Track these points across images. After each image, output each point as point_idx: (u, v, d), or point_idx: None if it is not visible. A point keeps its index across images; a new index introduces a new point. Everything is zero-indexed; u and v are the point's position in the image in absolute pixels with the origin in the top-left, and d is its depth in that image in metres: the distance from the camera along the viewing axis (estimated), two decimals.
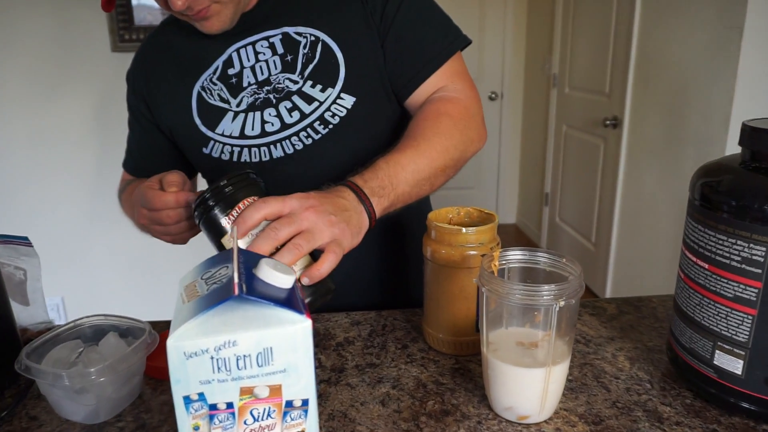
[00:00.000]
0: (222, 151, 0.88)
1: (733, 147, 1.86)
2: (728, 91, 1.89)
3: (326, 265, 0.60)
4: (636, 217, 2.54)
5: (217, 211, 0.63)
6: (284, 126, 0.87)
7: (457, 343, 0.73)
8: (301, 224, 0.60)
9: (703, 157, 2.05)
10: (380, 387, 0.68)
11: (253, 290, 0.40)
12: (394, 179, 0.73)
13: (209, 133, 0.89)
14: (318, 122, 0.87)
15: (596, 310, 0.85)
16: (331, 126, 0.87)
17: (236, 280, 0.39)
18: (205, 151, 0.90)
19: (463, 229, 0.68)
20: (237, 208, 0.63)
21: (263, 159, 0.88)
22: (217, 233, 0.63)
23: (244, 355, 0.40)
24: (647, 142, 2.42)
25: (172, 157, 0.99)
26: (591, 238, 3.00)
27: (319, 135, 0.87)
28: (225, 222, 0.63)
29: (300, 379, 0.42)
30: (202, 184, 1.07)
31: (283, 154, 0.87)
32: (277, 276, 0.43)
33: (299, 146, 0.87)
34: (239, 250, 0.46)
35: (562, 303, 0.55)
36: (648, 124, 2.41)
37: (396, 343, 0.77)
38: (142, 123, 0.98)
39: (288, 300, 0.42)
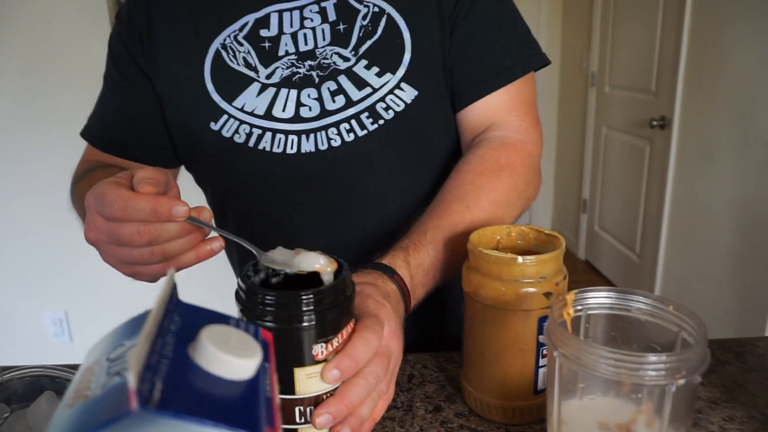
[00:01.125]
0: (237, 131, 0.70)
1: None
2: None
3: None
4: (688, 227, 2.30)
5: (313, 329, 0.42)
6: (324, 113, 0.69)
7: (509, 409, 0.54)
8: (394, 370, 0.49)
9: None
10: None
11: (177, 395, 0.23)
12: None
13: (224, 105, 0.70)
14: (367, 114, 0.69)
15: None
16: (382, 122, 0.70)
17: (132, 384, 0.21)
18: (214, 127, 0.70)
19: (519, 259, 0.50)
20: (341, 335, 0.44)
21: (288, 151, 0.69)
22: (293, 358, 0.42)
23: None
24: (702, 145, 2.18)
25: (163, 132, 0.76)
26: (635, 248, 2.76)
27: (365, 131, 0.70)
28: (320, 350, 0.42)
29: None
30: (185, 183, 0.86)
31: (314, 149, 0.69)
32: (226, 361, 0.25)
33: (336, 142, 0.70)
34: (177, 306, 0.28)
35: (682, 382, 0.36)
36: (702, 125, 2.18)
37: (426, 404, 0.59)
38: (128, 76, 0.74)
39: (241, 408, 0.24)
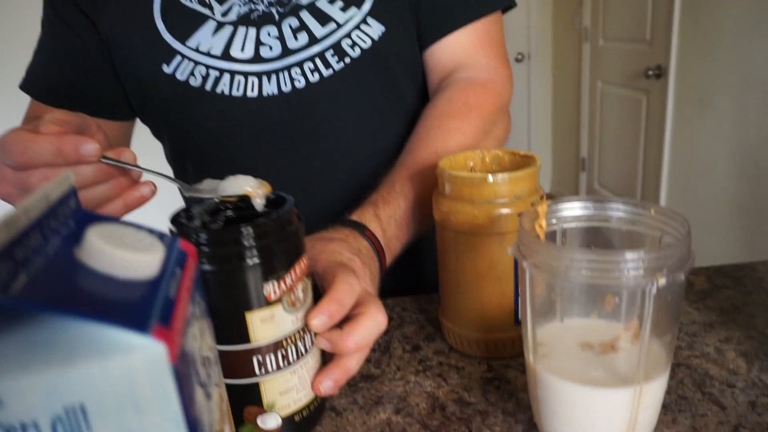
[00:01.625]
0: (192, 73, 0.65)
1: None
2: None
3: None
4: (688, 177, 2.25)
5: (259, 266, 0.37)
6: (286, 51, 0.65)
7: (489, 342, 0.51)
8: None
9: None
10: (378, 412, 0.47)
11: (43, 288, 0.19)
12: (409, 214, 0.59)
13: (176, 45, 0.65)
14: (332, 52, 0.65)
15: None
16: (348, 60, 0.66)
17: None
18: (166, 69, 0.65)
19: (490, 177, 0.46)
20: (293, 272, 0.40)
21: (249, 94, 0.65)
22: (242, 301, 0.38)
23: (23, 426, 0.19)
24: (699, 91, 2.12)
25: (113, 80, 0.70)
26: None
27: (330, 71, 0.65)
28: (271, 289, 0.38)
29: None
30: (141, 136, 0.81)
31: (276, 92, 0.65)
32: (113, 256, 0.21)
33: (300, 83, 0.65)
34: (76, 213, 0.25)
35: (663, 281, 0.32)
36: (699, 70, 2.11)
37: (404, 344, 0.56)
38: (68, 20, 0.68)
39: (126, 303, 0.20)
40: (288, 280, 0.39)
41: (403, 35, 0.69)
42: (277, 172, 0.69)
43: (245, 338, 0.38)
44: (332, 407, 0.47)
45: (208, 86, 0.65)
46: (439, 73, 0.72)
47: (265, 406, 0.40)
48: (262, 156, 0.69)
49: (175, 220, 0.40)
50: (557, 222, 0.40)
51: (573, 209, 0.40)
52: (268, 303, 0.38)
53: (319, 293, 0.44)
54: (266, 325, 0.39)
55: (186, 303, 0.23)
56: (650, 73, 2.38)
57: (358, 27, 0.65)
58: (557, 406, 0.38)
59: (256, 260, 0.37)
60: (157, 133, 0.76)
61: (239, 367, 0.39)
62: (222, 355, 0.38)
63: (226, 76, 0.65)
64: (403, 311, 0.62)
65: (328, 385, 0.42)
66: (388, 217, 0.57)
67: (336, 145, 0.69)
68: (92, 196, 0.47)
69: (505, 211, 0.46)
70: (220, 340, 0.38)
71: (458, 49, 0.70)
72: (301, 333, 0.41)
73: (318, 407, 0.44)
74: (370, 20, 0.66)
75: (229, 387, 0.39)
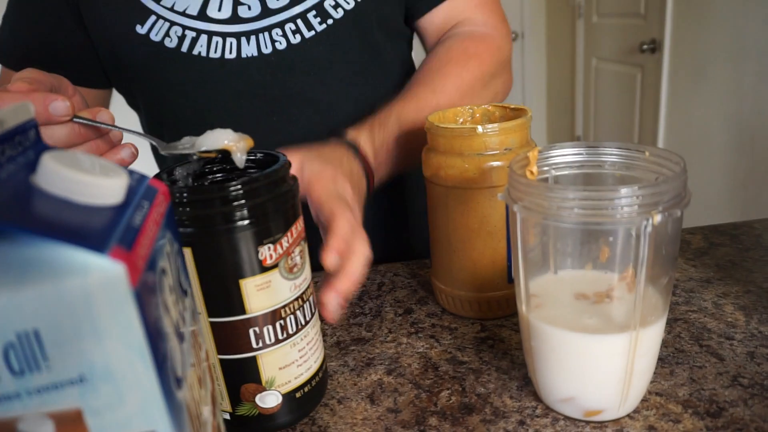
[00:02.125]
0: (167, 34, 0.62)
1: None
2: None
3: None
4: (685, 149, 2.24)
5: (252, 227, 0.35)
6: (266, 11, 0.62)
7: (482, 301, 0.50)
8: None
9: (766, 70, 1.75)
10: (370, 373, 0.46)
11: None
12: (402, 143, 0.58)
13: (150, 4, 0.62)
14: (314, 13, 0.63)
15: None
16: (330, 21, 0.63)
17: None
18: (140, 30, 0.62)
19: (480, 128, 0.45)
20: (290, 234, 0.37)
21: (227, 55, 0.63)
22: (235, 267, 0.35)
23: None
24: (694, 63, 2.10)
25: (86, 44, 0.68)
26: None
27: (312, 32, 0.63)
28: (267, 253, 0.36)
29: (128, 393, 0.19)
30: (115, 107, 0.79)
31: (256, 53, 0.63)
32: (69, 179, 0.20)
33: (281, 44, 0.63)
34: (36, 144, 0.23)
35: (659, 218, 0.31)
36: (694, 43, 2.09)
37: (396, 308, 0.55)
38: None
39: (84, 225, 0.19)
40: (285, 243, 0.37)
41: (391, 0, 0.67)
42: (258, 137, 0.67)
43: (240, 308, 0.36)
44: None
45: (184, 47, 0.63)
46: (436, 33, 0.71)
47: (263, 382, 0.38)
48: (241, 120, 0.66)
49: (161, 176, 0.38)
50: (548, 169, 0.39)
51: (565, 155, 0.39)
52: (263, 269, 0.36)
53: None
54: (262, 293, 0.36)
55: (153, 235, 0.22)
56: (645, 47, 2.36)
57: None
58: (552, 356, 0.37)
59: (249, 221, 0.35)
60: (132, 101, 0.73)
61: (234, 340, 0.37)
62: (215, 328, 0.37)
63: (203, 37, 0.62)
64: (395, 276, 0.61)
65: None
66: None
67: (317, 110, 0.67)
68: None
69: (495, 163, 0.45)
70: (212, 311, 0.36)
71: (455, 11, 0.70)
72: (301, 302, 0.39)
73: (320, 382, 0.42)
74: None
75: (224, 363, 0.37)
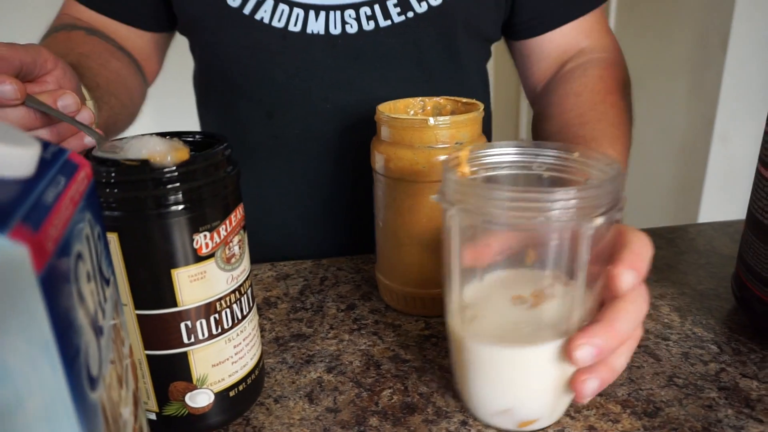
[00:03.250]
0: None
1: (732, 72, 1.65)
2: (727, 9, 1.66)
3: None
4: None
5: (187, 212, 0.32)
6: None
7: (427, 298, 0.49)
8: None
9: (698, 85, 1.84)
10: (309, 370, 0.44)
11: None
12: None
13: None
14: (394, 2, 0.58)
15: None
16: (411, 14, 0.59)
17: None
18: None
19: (431, 120, 0.43)
20: (228, 222, 0.34)
21: (291, 27, 0.58)
22: (167, 255, 0.33)
23: None
24: (634, 75, 2.18)
25: None
26: None
27: (389, 22, 0.59)
28: (203, 241, 0.33)
29: (29, 396, 0.17)
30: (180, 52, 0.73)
31: (323, 31, 0.58)
32: None
33: (352, 28, 0.58)
34: None
35: (600, 221, 0.31)
36: (634, 55, 2.17)
37: (338, 303, 0.53)
38: None
39: None
40: (222, 231, 0.34)
41: (480, 5, 0.62)
42: (306, 120, 0.63)
43: (171, 301, 0.33)
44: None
45: (247, 9, 0.58)
46: (558, 56, 0.67)
47: (194, 380, 0.35)
48: (294, 100, 0.62)
49: (87, 155, 0.34)
50: (478, 169, 0.38)
51: (498, 155, 0.38)
52: (198, 258, 0.33)
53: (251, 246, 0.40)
54: (196, 284, 0.34)
55: (68, 215, 0.19)
56: None
57: None
58: (485, 370, 0.36)
59: (184, 206, 0.32)
60: (192, 50, 0.68)
61: (164, 335, 0.34)
62: (142, 321, 0.34)
63: (269, 2, 0.58)
64: (338, 271, 0.59)
65: (587, 351, 0.32)
66: None
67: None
68: None
69: (446, 157, 0.44)
70: (139, 303, 0.33)
71: (581, 35, 0.66)
72: (238, 294, 0.36)
73: (256, 380, 0.39)
74: None
75: (151, 359, 0.35)
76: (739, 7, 1.62)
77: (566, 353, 0.33)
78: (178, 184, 0.32)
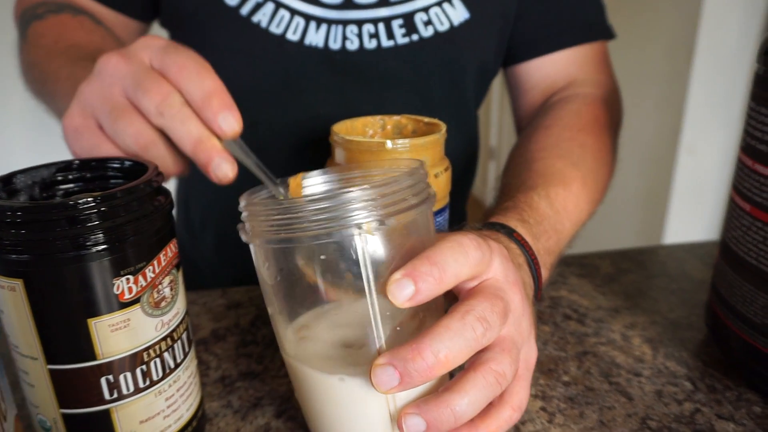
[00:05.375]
0: None
1: (699, 82, 1.66)
2: (694, 19, 1.67)
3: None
4: None
5: (107, 254, 0.28)
6: (348, 3, 0.54)
7: None
8: (508, 325, 0.31)
9: (664, 96, 1.85)
10: (256, 416, 0.40)
11: None
12: (561, 236, 0.46)
13: None
14: (401, 22, 0.55)
15: (586, 270, 0.60)
16: (416, 37, 0.56)
17: None
18: None
19: (389, 143, 0.40)
20: (156, 262, 0.30)
21: (289, 36, 0.54)
22: (84, 305, 0.29)
23: None
24: None
25: None
26: None
27: (392, 43, 0.56)
28: (124, 286, 0.29)
29: None
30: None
31: (322, 45, 0.55)
32: None
33: (353, 44, 0.55)
34: None
35: (374, 227, 0.27)
36: None
37: None
38: None
39: None
40: (149, 273, 0.30)
41: (486, 31, 0.59)
42: (293, 134, 0.58)
43: (89, 353, 0.29)
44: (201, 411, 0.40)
45: (245, 10, 0.54)
46: (547, 87, 0.64)
47: None
48: (283, 111, 0.58)
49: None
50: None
51: (319, 183, 0.35)
52: (121, 305, 0.29)
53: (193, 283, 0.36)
54: (119, 334, 0.30)
55: None
56: None
57: (439, 4, 0.56)
58: (313, 405, 0.33)
59: (102, 248, 0.28)
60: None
61: (82, 391, 0.30)
62: (57, 376, 0.29)
63: (269, 6, 0.54)
64: None
65: (416, 422, 0.29)
66: (537, 222, 0.44)
67: None
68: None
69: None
70: (52, 357, 0.29)
71: (572, 66, 0.63)
72: (170, 341, 0.32)
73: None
74: (456, 1, 0.56)
75: (68, 418, 0.30)
76: (706, 17, 1.63)
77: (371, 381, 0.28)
78: (95, 223, 0.28)
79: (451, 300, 0.32)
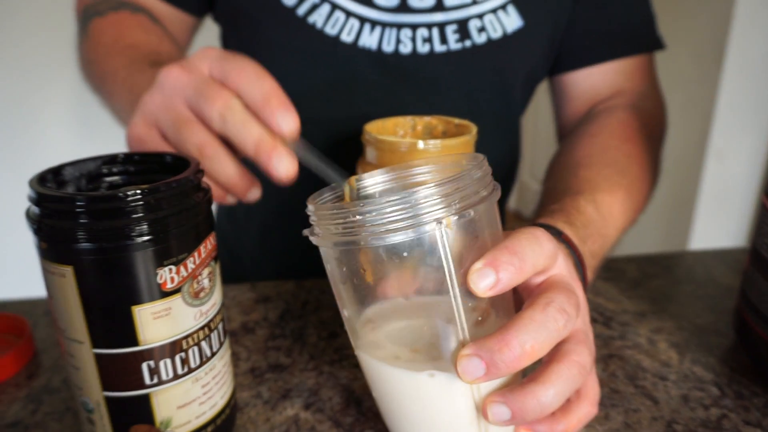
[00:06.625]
0: None
1: (728, 86, 1.63)
2: (724, 23, 1.65)
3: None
4: None
5: (151, 244, 0.30)
6: (403, 7, 0.55)
7: None
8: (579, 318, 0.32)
9: (693, 100, 1.83)
10: (285, 407, 0.41)
11: None
12: (605, 241, 0.46)
13: None
14: (454, 27, 0.56)
15: (612, 273, 0.60)
16: (468, 44, 0.57)
17: None
18: None
19: (421, 143, 0.41)
20: (197, 254, 0.32)
21: (343, 37, 0.55)
22: (128, 292, 0.30)
23: None
24: None
25: None
26: None
27: (444, 47, 0.56)
28: (167, 276, 0.31)
29: None
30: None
31: (375, 47, 0.56)
32: None
33: (406, 48, 0.56)
34: None
35: (453, 221, 0.28)
36: None
37: (319, 331, 0.50)
38: None
39: None
40: (190, 264, 0.31)
41: (538, 40, 0.60)
42: (333, 133, 0.59)
43: (132, 339, 0.30)
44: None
45: (301, 10, 0.55)
46: (593, 96, 0.64)
47: (157, 423, 0.33)
48: (333, 110, 0.59)
49: (36, 181, 0.31)
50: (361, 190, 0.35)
51: (377, 183, 0.35)
52: (163, 294, 0.31)
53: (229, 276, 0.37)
54: (160, 322, 0.31)
55: None
56: None
57: (494, 11, 0.56)
58: (393, 403, 0.33)
59: (147, 239, 0.29)
60: (224, 42, 0.65)
61: (124, 375, 0.31)
62: (101, 360, 0.31)
63: (326, 7, 0.55)
64: (321, 294, 0.56)
65: (501, 411, 0.29)
66: (583, 226, 0.43)
67: None
68: None
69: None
70: (97, 341, 0.30)
71: (620, 76, 0.63)
72: (207, 331, 0.33)
73: (227, 420, 0.36)
74: (510, 9, 0.57)
75: (110, 401, 0.32)
76: (737, 21, 1.61)
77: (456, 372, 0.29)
78: (141, 215, 0.29)
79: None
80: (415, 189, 0.28)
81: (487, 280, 0.28)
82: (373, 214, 0.28)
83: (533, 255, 0.29)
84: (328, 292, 0.56)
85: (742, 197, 1.69)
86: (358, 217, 0.28)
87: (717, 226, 1.73)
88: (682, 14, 1.86)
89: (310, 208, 0.31)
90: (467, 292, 0.29)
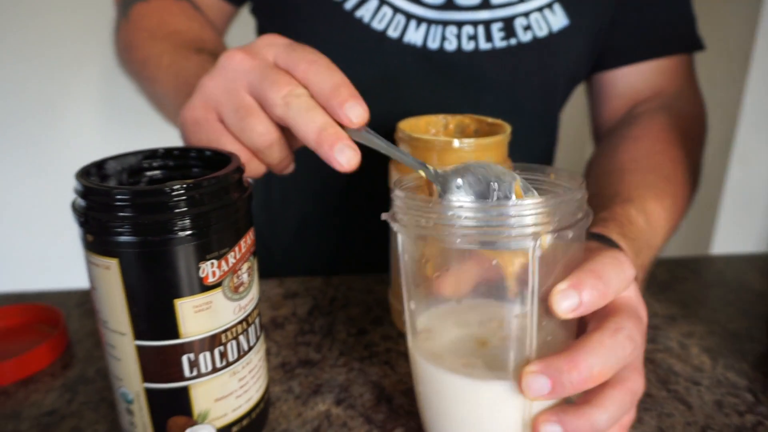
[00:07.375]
0: None
1: (754, 90, 1.61)
2: (751, 24, 1.62)
3: None
4: None
5: (194, 239, 0.30)
6: (450, 4, 0.55)
7: None
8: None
9: (716, 103, 1.81)
10: (317, 402, 0.41)
11: None
12: (652, 252, 0.46)
13: None
14: (501, 26, 0.56)
15: None
16: (514, 41, 0.56)
17: None
18: None
19: (456, 142, 0.41)
20: (237, 249, 0.32)
21: (390, 32, 0.55)
22: (170, 285, 0.31)
23: None
24: None
25: None
26: None
27: (489, 45, 0.56)
28: (209, 270, 0.31)
29: None
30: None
31: (421, 43, 0.56)
32: None
33: (451, 45, 0.56)
34: None
35: (549, 239, 0.28)
36: None
37: (349, 327, 0.50)
38: None
39: None
40: (231, 259, 0.32)
41: (582, 39, 0.59)
42: (379, 129, 0.60)
43: (173, 332, 0.31)
44: None
45: (349, 5, 0.55)
46: (632, 96, 0.64)
47: (195, 416, 0.33)
48: (374, 106, 0.59)
49: (82, 175, 0.32)
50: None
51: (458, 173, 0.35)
52: (204, 288, 0.31)
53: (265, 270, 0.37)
54: (201, 315, 0.31)
55: None
56: None
57: (540, 10, 0.56)
58: (439, 403, 0.33)
59: (190, 233, 0.29)
60: (262, 33, 0.65)
61: (164, 367, 0.32)
62: (142, 352, 0.31)
63: (373, 2, 0.55)
64: (349, 291, 0.56)
65: (553, 430, 0.30)
66: (635, 238, 0.43)
67: None
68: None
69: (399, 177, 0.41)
70: (139, 333, 0.31)
71: (660, 77, 0.63)
72: (245, 325, 0.34)
73: (261, 414, 0.37)
74: (556, 8, 0.57)
75: (150, 392, 0.32)
76: (764, 25, 1.59)
77: (519, 387, 0.29)
78: (185, 209, 0.29)
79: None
80: (516, 201, 0.28)
81: (570, 302, 0.28)
82: (470, 216, 0.28)
83: (617, 281, 0.29)
84: (356, 289, 0.57)
85: (766, 202, 1.67)
86: (450, 213, 0.28)
87: (739, 232, 1.71)
88: (708, 18, 1.83)
89: (399, 193, 0.30)
90: (544, 310, 0.29)
